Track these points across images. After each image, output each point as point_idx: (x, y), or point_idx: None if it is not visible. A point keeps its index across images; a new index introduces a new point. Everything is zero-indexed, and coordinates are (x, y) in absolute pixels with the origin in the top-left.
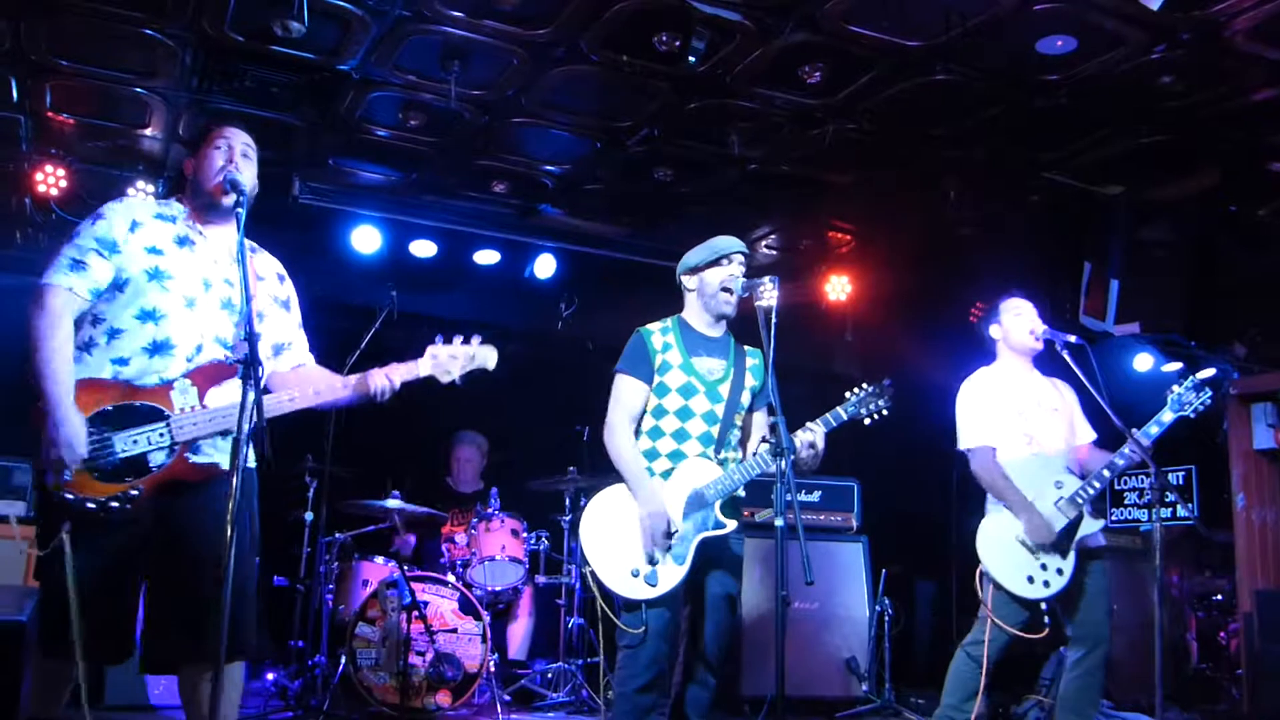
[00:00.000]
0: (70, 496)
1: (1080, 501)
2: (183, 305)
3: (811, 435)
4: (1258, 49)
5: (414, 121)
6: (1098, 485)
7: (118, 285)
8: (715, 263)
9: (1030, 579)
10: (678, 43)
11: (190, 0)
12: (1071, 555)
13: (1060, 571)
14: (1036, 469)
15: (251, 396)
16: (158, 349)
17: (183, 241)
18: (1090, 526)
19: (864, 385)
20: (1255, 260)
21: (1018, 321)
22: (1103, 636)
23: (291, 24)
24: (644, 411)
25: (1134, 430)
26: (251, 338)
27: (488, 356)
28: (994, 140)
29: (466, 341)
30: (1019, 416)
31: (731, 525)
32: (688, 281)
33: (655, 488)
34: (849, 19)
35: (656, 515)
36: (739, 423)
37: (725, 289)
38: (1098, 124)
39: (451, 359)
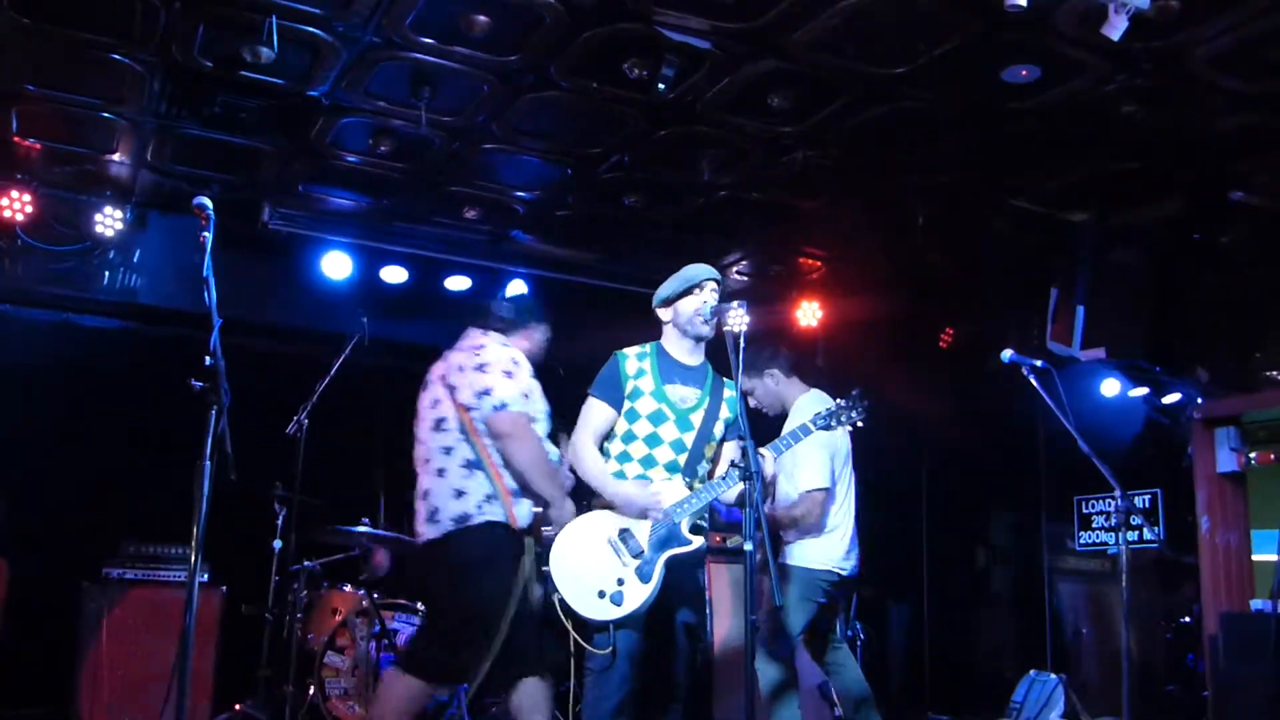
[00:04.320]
0: None
1: None
2: None
3: (761, 461)
4: (1218, 78)
5: (384, 148)
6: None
7: None
8: (688, 291)
9: None
10: (647, 71)
11: (159, 26)
12: None
13: None
14: None
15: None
16: None
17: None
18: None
19: (838, 400)
20: (1219, 286)
21: None
22: None
23: (261, 50)
24: (613, 435)
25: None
26: (216, 362)
27: None
28: (961, 167)
29: None
30: None
31: (697, 542)
32: (663, 313)
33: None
34: (816, 47)
35: (643, 489)
36: (709, 454)
37: (699, 315)
38: (1063, 151)
39: None
